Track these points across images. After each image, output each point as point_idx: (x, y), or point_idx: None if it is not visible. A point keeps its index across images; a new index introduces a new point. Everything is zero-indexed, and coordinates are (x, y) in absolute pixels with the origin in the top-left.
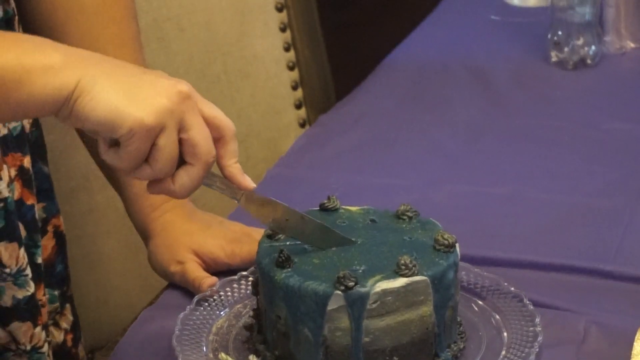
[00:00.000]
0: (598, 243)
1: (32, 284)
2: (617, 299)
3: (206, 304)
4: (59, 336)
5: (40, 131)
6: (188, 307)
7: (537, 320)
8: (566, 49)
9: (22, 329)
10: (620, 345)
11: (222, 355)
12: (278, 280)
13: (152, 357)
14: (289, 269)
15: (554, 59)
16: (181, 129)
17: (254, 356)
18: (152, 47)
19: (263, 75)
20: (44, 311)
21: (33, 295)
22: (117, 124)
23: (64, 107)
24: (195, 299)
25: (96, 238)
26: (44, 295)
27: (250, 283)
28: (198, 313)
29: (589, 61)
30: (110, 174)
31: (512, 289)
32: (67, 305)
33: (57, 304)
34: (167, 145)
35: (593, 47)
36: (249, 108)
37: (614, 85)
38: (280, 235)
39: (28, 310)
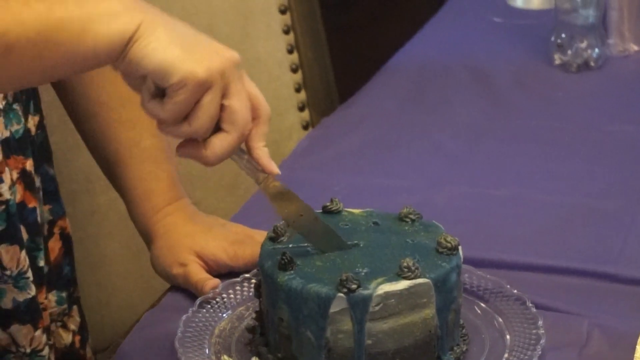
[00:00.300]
0: (600, 245)
1: (33, 287)
2: (619, 301)
3: (209, 306)
4: (67, 338)
5: (46, 133)
6: (190, 309)
7: (540, 322)
8: (569, 52)
9: (22, 332)
10: (623, 348)
11: (225, 357)
12: (280, 283)
13: (154, 359)
14: (292, 272)
15: (557, 61)
16: (225, 94)
17: (257, 358)
18: None
19: (266, 77)
20: (46, 314)
21: (34, 298)
22: (170, 72)
23: (124, 50)
24: (198, 301)
25: (99, 240)
26: (46, 298)
27: (252, 285)
28: (200, 315)
29: (592, 64)
30: (112, 177)
31: (515, 291)
32: (75, 307)
33: (65, 306)
34: (211, 104)
35: (596, 50)
36: None
37: (617, 88)
38: (282, 238)
39: (28, 313)
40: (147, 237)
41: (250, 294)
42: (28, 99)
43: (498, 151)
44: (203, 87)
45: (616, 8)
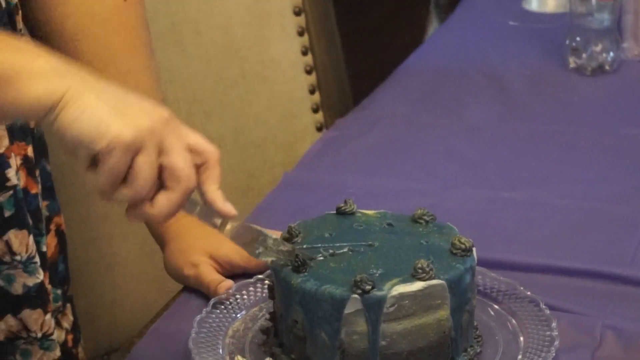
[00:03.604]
0: (614, 248)
1: (41, 271)
2: (633, 304)
3: (222, 306)
4: (60, 335)
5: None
6: (204, 309)
7: (554, 324)
8: (584, 55)
9: (32, 317)
10: (636, 350)
11: (239, 357)
12: (294, 285)
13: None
14: (305, 273)
15: (572, 65)
16: (161, 152)
17: (271, 359)
18: (170, 51)
19: (280, 79)
20: (51, 299)
21: (42, 283)
22: (97, 137)
23: (49, 114)
24: (212, 301)
25: (113, 241)
26: (49, 284)
27: (265, 286)
28: (214, 316)
29: (607, 67)
30: None
31: (528, 293)
32: (68, 305)
33: (60, 303)
34: (145, 164)
35: (611, 53)
36: (266, 112)
37: (631, 92)
38: (296, 239)
39: (39, 297)
40: (160, 241)
41: (264, 294)
42: None
43: (512, 154)
44: (132, 148)
45: (631, 12)
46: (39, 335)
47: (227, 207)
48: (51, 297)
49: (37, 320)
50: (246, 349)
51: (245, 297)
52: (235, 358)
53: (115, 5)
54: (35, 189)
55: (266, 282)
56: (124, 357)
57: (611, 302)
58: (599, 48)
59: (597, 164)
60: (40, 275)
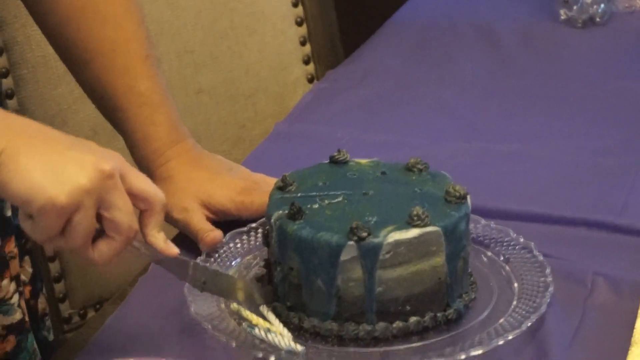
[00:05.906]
0: (605, 198)
1: None
2: (623, 252)
3: (216, 254)
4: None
5: None
6: (199, 257)
7: (548, 270)
8: (575, 7)
9: None
10: (626, 297)
11: (234, 305)
12: (290, 232)
13: (163, 307)
14: (301, 221)
15: (562, 17)
16: (102, 207)
17: (265, 307)
18: (159, 3)
19: (270, 30)
20: (14, 263)
21: None
22: (30, 200)
23: None
24: (205, 250)
25: None
26: (15, 247)
27: (259, 234)
28: (208, 264)
29: (597, 19)
30: (113, 123)
31: (522, 240)
32: (26, 258)
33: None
34: (81, 222)
35: (602, 6)
36: (257, 64)
37: (622, 44)
38: (291, 187)
39: None
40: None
41: (257, 243)
42: None
43: (502, 107)
44: (66, 210)
45: None
46: None
47: (170, 248)
48: (16, 260)
49: None
50: None
51: (238, 245)
52: (231, 305)
53: None
54: None
55: (259, 230)
56: (117, 304)
57: (602, 250)
58: (589, 0)
59: (587, 115)
60: None
